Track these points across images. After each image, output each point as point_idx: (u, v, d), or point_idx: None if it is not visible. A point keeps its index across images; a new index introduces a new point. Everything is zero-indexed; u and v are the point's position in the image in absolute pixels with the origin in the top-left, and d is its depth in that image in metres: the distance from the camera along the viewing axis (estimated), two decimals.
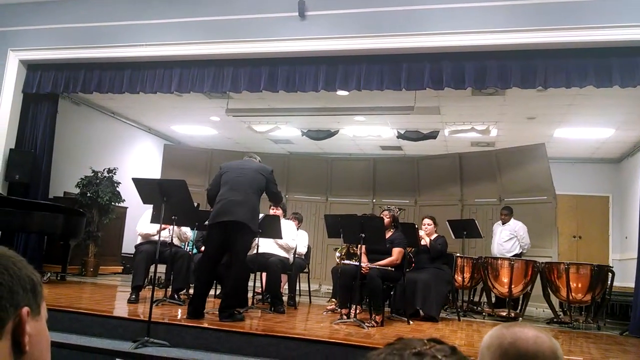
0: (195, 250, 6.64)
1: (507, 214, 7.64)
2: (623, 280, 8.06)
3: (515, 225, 7.53)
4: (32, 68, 7.79)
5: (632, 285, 5.94)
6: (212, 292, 5.73)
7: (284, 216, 6.37)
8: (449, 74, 6.06)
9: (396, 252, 5.58)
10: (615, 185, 10.75)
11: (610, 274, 6.34)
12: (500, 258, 6.82)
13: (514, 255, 7.17)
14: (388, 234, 5.58)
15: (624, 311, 6.92)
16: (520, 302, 6.76)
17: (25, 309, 0.85)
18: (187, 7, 6.94)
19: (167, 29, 6.98)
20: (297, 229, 6.63)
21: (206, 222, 5.09)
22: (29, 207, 6.91)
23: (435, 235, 6.44)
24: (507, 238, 7.50)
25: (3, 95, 7.66)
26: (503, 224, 7.63)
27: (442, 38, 6.00)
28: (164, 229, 5.15)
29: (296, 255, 6.33)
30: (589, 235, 10.99)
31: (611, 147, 10.03)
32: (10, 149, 7.58)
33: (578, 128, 8.99)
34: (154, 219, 5.22)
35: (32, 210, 6.88)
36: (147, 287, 6.07)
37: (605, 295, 6.39)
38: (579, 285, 6.21)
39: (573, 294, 6.22)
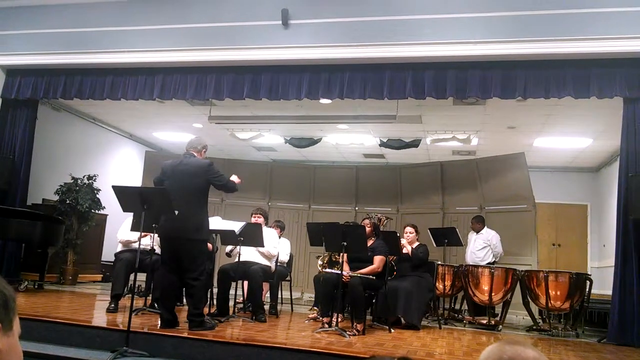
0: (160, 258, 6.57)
1: (476, 223, 7.77)
2: (601, 288, 8.18)
3: (489, 234, 7.66)
4: (11, 73, 7.69)
5: (610, 292, 6.02)
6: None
7: (266, 224, 6.35)
8: (431, 84, 6.13)
9: (377, 260, 5.60)
10: (594, 194, 10.93)
11: (588, 282, 6.43)
12: (481, 266, 6.88)
13: (487, 264, 7.29)
14: (369, 242, 5.59)
15: (602, 318, 7.01)
16: (501, 309, 6.81)
17: None
18: (170, 14, 6.91)
19: (149, 35, 6.94)
20: (280, 236, 6.61)
21: None
22: (6, 214, 6.79)
23: (416, 243, 6.47)
24: (480, 247, 7.63)
25: None
26: (476, 232, 7.74)
27: (424, 48, 6.07)
28: (145, 236, 5.09)
29: (278, 264, 6.31)
30: (568, 243, 11.15)
31: (589, 157, 10.21)
32: None
33: (557, 138, 9.13)
34: (134, 227, 5.18)
35: (10, 217, 6.76)
36: (126, 295, 5.99)
37: (584, 303, 6.47)
38: (558, 293, 6.28)
39: (552, 301, 6.29)
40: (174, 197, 4.55)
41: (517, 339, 1.24)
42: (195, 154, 4.92)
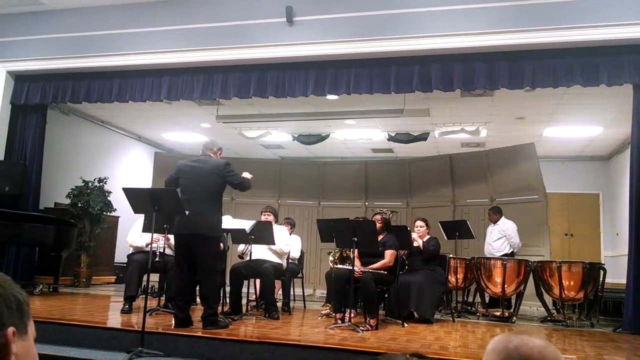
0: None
1: (493, 214, 7.68)
2: (615, 277, 8.12)
3: (505, 225, 7.56)
4: (20, 79, 7.75)
5: (624, 281, 5.97)
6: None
7: (276, 222, 6.37)
8: (438, 77, 6.10)
9: (388, 254, 5.59)
10: (605, 182, 10.84)
11: (602, 271, 6.39)
12: (493, 258, 6.84)
13: (504, 255, 7.19)
14: (380, 237, 5.59)
15: (616, 308, 6.97)
16: (514, 301, 6.79)
17: (10, 329, 0.84)
18: (175, 15, 6.93)
19: (155, 37, 6.97)
20: (290, 233, 6.63)
21: None
22: (19, 219, 6.86)
23: (427, 237, 6.45)
24: (496, 237, 7.54)
25: None
26: (493, 223, 7.68)
27: (430, 41, 6.04)
28: (154, 242, 5.13)
29: (289, 261, 6.32)
30: (581, 233, 11.07)
31: (600, 145, 10.12)
32: (0, 161, 7.53)
33: (567, 127, 9.06)
34: (146, 228, 5.21)
35: (23, 222, 6.83)
36: (140, 296, 6.04)
37: (598, 293, 6.43)
38: (572, 283, 6.25)
39: (566, 292, 6.25)
40: (189, 195, 4.64)
41: (524, 329, 1.25)
42: (212, 155, 4.99)
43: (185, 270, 4.76)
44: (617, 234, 10.04)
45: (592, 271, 6.31)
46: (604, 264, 6.81)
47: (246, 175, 5.03)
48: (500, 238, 7.52)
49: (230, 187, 4.99)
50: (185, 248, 4.71)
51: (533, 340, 1.09)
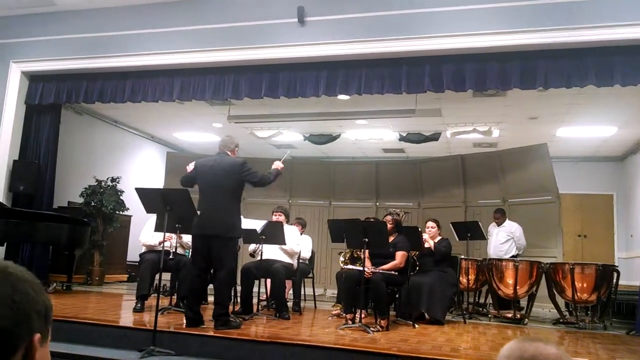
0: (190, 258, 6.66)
1: (499, 217, 7.66)
2: (629, 279, 8.04)
3: (512, 227, 7.55)
4: (34, 79, 7.84)
5: (638, 283, 5.92)
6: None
7: (287, 222, 6.38)
8: (449, 77, 6.07)
9: (399, 255, 5.58)
10: (619, 183, 10.72)
11: (615, 273, 6.32)
12: (505, 259, 6.80)
13: (511, 257, 7.19)
14: (391, 238, 5.58)
15: (630, 310, 6.89)
16: (526, 303, 6.74)
17: (37, 336, 0.84)
18: (187, 16, 6.97)
19: (168, 37, 7.01)
20: (301, 233, 6.64)
21: None
22: (33, 217, 6.94)
23: (439, 237, 6.43)
24: (504, 240, 7.52)
25: (6, 107, 7.71)
26: (498, 225, 7.65)
27: (441, 41, 6.01)
28: (166, 240, 5.16)
29: (300, 261, 6.33)
30: (594, 234, 10.96)
31: (614, 145, 10.01)
32: (14, 161, 7.62)
33: (580, 127, 8.98)
34: (158, 228, 5.25)
35: (37, 220, 6.91)
36: (152, 295, 6.08)
37: (611, 295, 6.37)
38: (584, 285, 6.19)
39: (578, 294, 6.20)
40: (208, 195, 4.67)
41: (538, 335, 1.24)
42: (229, 153, 4.97)
43: (201, 271, 4.80)
44: (632, 235, 9.94)
45: (606, 273, 6.25)
46: (617, 266, 6.74)
47: (278, 164, 5.01)
48: (508, 240, 7.51)
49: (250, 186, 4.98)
50: (204, 249, 4.73)
51: (548, 349, 1.08)
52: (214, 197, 4.69)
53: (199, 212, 4.70)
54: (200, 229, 4.72)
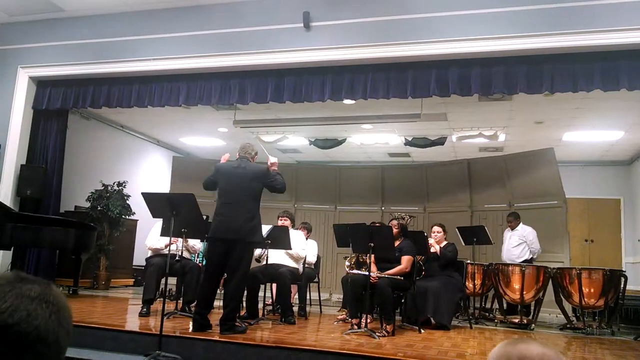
0: (205, 262, 6.66)
1: (512, 220, 7.58)
2: (636, 284, 7.99)
3: (524, 231, 7.46)
4: (41, 84, 7.89)
5: None
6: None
7: (293, 226, 6.38)
8: (455, 81, 6.06)
9: (405, 260, 5.57)
10: (627, 187, 10.67)
11: (623, 278, 6.29)
12: (511, 264, 6.76)
13: (524, 261, 7.10)
14: (397, 243, 5.57)
15: (638, 315, 6.85)
16: (533, 308, 6.70)
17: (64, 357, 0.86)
18: (193, 21, 7.00)
19: (174, 43, 7.04)
20: (307, 238, 6.63)
21: None
22: (40, 222, 6.96)
23: (445, 242, 6.41)
24: (516, 243, 7.44)
25: (14, 111, 7.76)
26: (511, 229, 7.58)
27: (447, 45, 6.01)
28: (173, 243, 5.17)
29: (306, 265, 6.33)
30: (601, 239, 10.90)
31: (621, 150, 9.97)
32: (22, 165, 7.67)
33: (587, 131, 8.94)
34: (164, 232, 5.26)
35: (44, 225, 6.93)
36: (158, 299, 6.09)
37: (619, 300, 6.33)
38: (592, 290, 6.16)
39: (586, 299, 6.16)
40: (230, 199, 4.72)
41: (521, 337, 1.24)
42: (250, 160, 5.02)
43: (213, 277, 4.80)
44: (639, 240, 9.87)
45: (613, 278, 6.21)
46: (624, 271, 6.70)
47: (273, 160, 5.05)
48: (520, 244, 7.42)
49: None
50: (221, 254, 4.73)
51: (531, 349, 1.09)
52: (236, 201, 4.72)
53: (217, 216, 4.72)
54: (219, 233, 4.72)
